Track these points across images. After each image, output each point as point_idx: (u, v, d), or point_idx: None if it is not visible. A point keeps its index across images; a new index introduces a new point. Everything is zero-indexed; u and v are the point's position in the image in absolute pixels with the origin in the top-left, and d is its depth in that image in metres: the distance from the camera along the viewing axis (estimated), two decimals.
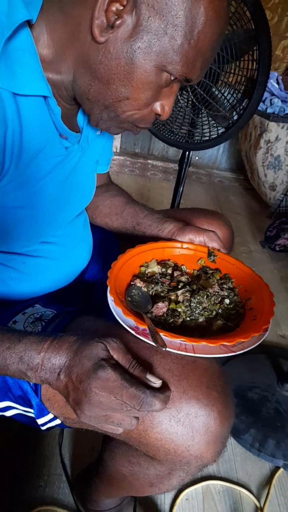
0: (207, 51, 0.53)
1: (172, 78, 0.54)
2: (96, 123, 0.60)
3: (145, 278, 0.70)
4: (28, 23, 0.51)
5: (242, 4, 1.10)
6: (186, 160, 1.43)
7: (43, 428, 0.61)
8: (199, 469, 0.57)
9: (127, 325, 0.56)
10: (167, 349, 0.52)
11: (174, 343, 0.54)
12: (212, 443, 0.52)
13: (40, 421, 0.59)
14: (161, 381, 0.49)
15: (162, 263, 0.74)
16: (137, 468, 0.65)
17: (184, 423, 0.51)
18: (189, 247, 0.76)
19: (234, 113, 1.26)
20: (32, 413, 0.59)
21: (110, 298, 0.60)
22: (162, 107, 0.58)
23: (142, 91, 0.54)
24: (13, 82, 0.49)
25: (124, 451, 0.66)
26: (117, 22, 0.49)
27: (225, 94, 1.25)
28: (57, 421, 0.60)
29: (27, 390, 0.58)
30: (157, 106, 0.58)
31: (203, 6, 0.49)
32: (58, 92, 0.58)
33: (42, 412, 0.58)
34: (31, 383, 0.57)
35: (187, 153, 1.42)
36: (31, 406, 0.59)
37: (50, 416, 0.59)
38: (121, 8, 0.48)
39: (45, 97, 0.54)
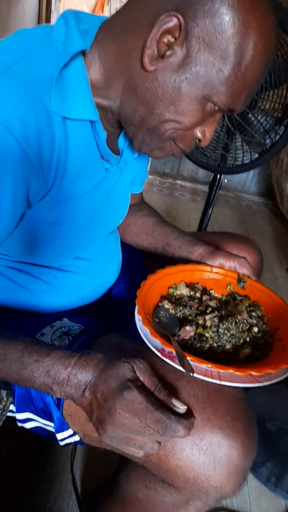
0: (253, 83, 0.54)
1: (216, 108, 0.55)
2: (139, 147, 0.62)
3: (173, 300, 0.70)
4: (82, 51, 0.54)
5: (283, 33, 1.12)
6: (217, 183, 1.44)
7: (62, 443, 0.61)
8: (217, 500, 0.56)
9: (153, 347, 0.56)
10: (194, 374, 0.51)
11: (200, 369, 0.53)
12: (233, 475, 0.51)
13: (59, 436, 0.59)
14: (186, 407, 0.49)
15: (191, 286, 0.74)
16: (153, 494, 0.63)
17: (206, 452, 0.50)
18: (219, 272, 0.76)
19: (269, 139, 1.26)
20: (52, 426, 0.59)
21: (138, 318, 0.61)
22: (203, 133, 0.59)
23: (187, 117, 0.55)
24: (64, 107, 0.51)
25: (141, 475, 0.65)
26: (168, 53, 0.51)
27: (261, 121, 1.26)
28: (76, 438, 0.60)
29: (49, 403, 0.58)
30: (199, 132, 0.59)
31: (253, 41, 0.50)
32: (105, 116, 0.60)
33: (62, 427, 0.59)
34: (54, 397, 0.58)
35: (218, 176, 1.43)
36: (51, 420, 0.59)
37: (70, 431, 0.59)
38: (173, 40, 0.50)
39: (92, 121, 0.57)
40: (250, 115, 1.24)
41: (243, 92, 0.54)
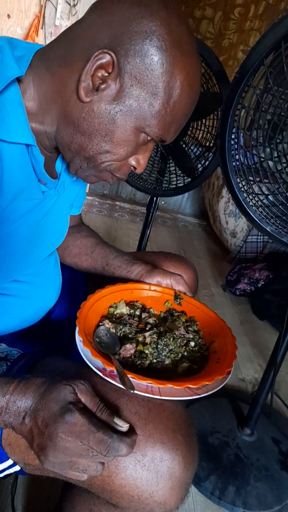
0: (181, 117, 0.59)
1: (148, 138, 0.59)
2: (75, 172, 0.64)
3: (114, 319, 0.71)
4: (17, 77, 0.55)
5: (208, 69, 1.21)
6: (153, 205, 1.49)
7: (1, 475, 0.58)
8: None
9: (95, 367, 0.56)
10: (135, 391, 0.52)
11: (141, 385, 0.55)
12: (176, 489, 0.52)
13: None
14: (128, 425, 0.49)
15: (130, 304, 0.76)
16: None
17: (149, 468, 0.51)
18: (157, 289, 0.79)
19: (200, 165, 1.35)
20: None
21: (78, 339, 0.61)
22: (138, 161, 0.63)
23: (122, 147, 0.58)
24: (1, 129, 0.52)
25: (85, 499, 0.64)
26: (102, 86, 0.54)
27: (192, 148, 1.34)
28: (17, 468, 0.57)
29: None
30: (133, 161, 0.63)
31: (179, 80, 0.55)
32: (41, 141, 0.61)
33: (1, 458, 0.56)
34: None
35: (154, 198, 1.48)
36: None
37: (10, 462, 0.56)
38: (106, 74, 0.54)
39: (27, 145, 0.57)
40: (181, 143, 1.31)
41: (172, 126, 0.59)
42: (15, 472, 0.58)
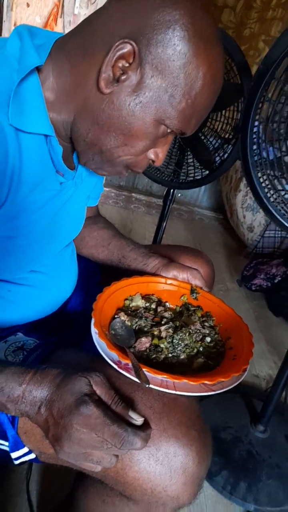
0: (202, 109, 0.57)
1: (168, 130, 0.58)
2: (85, 163, 0.63)
3: (129, 311, 0.71)
4: (37, 66, 0.55)
5: (230, 60, 1.19)
6: (170, 197, 1.48)
7: (16, 462, 0.59)
8: (174, 510, 0.56)
9: (110, 359, 0.56)
10: (150, 385, 0.52)
11: (156, 380, 0.54)
12: (189, 484, 0.52)
13: (14, 454, 0.57)
14: (143, 419, 0.49)
15: (146, 297, 0.76)
16: (111, 508, 0.63)
17: (162, 463, 0.51)
18: (173, 283, 0.78)
19: (218, 157, 1.33)
20: (6, 446, 0.57)
21: (94, 331, 0.61)
22: (156, 154, 0.62)
23: (140, 140, 0.57)
24: (21, 120, 0.52)
25: (98, 490, 0.64)
26: (123, 77, 0.53)
27: (211, 140, 1.32)
28: (32, 455, 0.58)
29: (3, 421, 0.56)
30: (152, 154, 0.62)
31: (202, 72, 0.53)
32: (58, 131, 0.61)
33: (17, 445, 0.57)
34: (8, 415, 0.56)
35: (171, 191, 1.47)
36: (6, 439, 0.57)
37: (25, 449, 0.57)
38: (127, 65, 0.53)
39: (46, 135, 0.57)
40: (200, 134, 1.29)
41: (193, 118, 0.57)
42: (30, 460, 0.59)
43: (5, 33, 2.37)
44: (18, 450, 0.57)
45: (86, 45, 0.55)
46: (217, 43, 0.55)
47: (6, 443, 0.57)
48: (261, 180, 0.88)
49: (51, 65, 0.56)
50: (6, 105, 0.51)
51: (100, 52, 0.54)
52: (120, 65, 0.53)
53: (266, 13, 2.85)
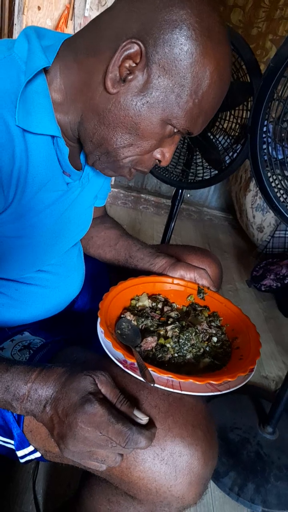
0: (209, 109, 0.57)
1: (175, 130, 0.58)
2: (93, 163, 0.63)
3: (136, 311, 0.71)
4: (44, 67, 0.55)
5: (239, 58, 1.18)
6: (179, 197, 1.47)
7: (22, 460, 0.59)
8: (179, 510, 0.56)
9: (115, 358, 0.56)
10: (155, 385, 0.52)
11: (161, 379, 0.54)
12: (194, 484, 0.52)
13: (19, 453, 0.58)
14: (147, 418, 0.49)
15: (152, 297, 0.76)
16: (116, 508, 0.63)
17: (167, 462, 0.51)
18: (180, 283, 0.78)
19: (227, 157, 1.32)
20: (12, 444, 0.58)
21: (100, 330, 0.61)
22: (163, 154, 0.61)
23: (147, 140, 0.57)
24: (28, 121, 0.52)
25: (103, 489, 0.65)
26: (129, 77, 0.53)
27: (220, 139, 1.31)
28: (37, 454, 0.59)
29: (9, 420, 0.57)
30: (158, 153, 0.61)
31: (209, 71, 0.53)
32: (65, 132, 0.61)
33: (22, 444, 0.57)
34: (14, 413, 0.56)
35: (180, 191, 1.47)
36: (11, 437, 0.57)
37: (31, 448, 0.58)
38: (134, 65, 0.53)
39: (53, 136, 0.57)
40: (208, 134, 1.29)
41: (200, 117, 0.57)
42: (36, 459, 0.59)
43: (16, 36, 2.39)
44: (23, 448, 0.57)
45: (93, 45, 0.55)
46: (224, 42, 0.55)
47: (12, 442, 0.57)
48: (271, 180, 0.87)
49: (58, 66, 0.57)
50: (14, 107, 0.51)
51: (107, 52, 0.54)
52: (127, 65, 0.52)
53: (274, 12, 2.83)
